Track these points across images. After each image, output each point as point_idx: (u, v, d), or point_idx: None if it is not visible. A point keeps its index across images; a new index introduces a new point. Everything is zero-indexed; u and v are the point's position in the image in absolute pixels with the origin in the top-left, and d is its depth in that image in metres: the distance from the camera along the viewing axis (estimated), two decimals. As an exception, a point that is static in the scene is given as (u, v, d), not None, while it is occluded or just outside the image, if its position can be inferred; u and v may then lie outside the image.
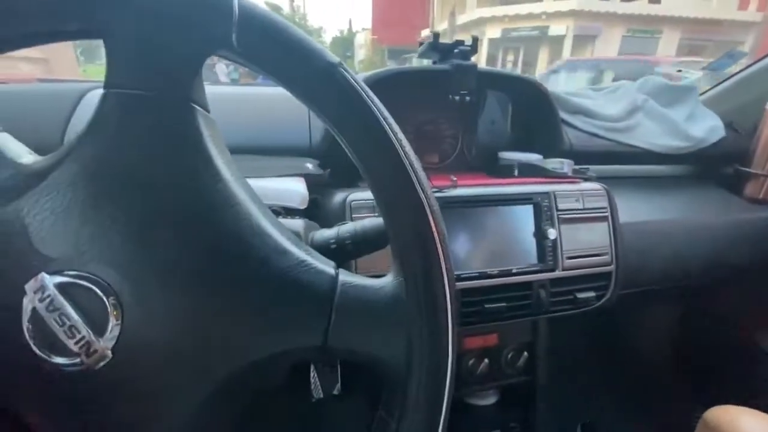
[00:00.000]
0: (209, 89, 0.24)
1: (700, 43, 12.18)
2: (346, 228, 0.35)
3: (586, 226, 0.61)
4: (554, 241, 0.58)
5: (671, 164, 0.91)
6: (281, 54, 0.22)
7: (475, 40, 0.66)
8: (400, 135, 0.24)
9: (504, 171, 0.68)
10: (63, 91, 0.62)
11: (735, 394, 0.63)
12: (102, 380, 0.21)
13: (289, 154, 0.59)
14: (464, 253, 0.56)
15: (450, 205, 0.56)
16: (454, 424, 0.25)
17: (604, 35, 12.02)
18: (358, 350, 0.24)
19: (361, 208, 0.52)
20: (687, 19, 11.76)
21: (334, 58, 0.23)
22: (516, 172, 0.66)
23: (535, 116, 0.75)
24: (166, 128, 0.22)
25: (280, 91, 0.24)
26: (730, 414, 0.52)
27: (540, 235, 0.58)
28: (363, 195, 0.53)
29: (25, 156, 0.23)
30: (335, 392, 0.53)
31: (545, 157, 0.69)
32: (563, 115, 0.77)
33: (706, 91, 0.99)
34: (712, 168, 0.91)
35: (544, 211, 0.59)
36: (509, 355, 0.71)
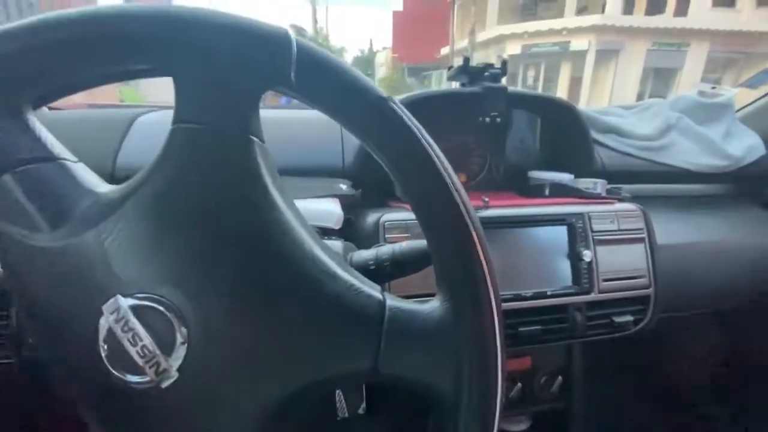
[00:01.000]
0: None
1: (732, 56, 11.83)
2: (385, 249, 0.36)
3: (623, 248, 0.60)
4: (589, 263, 0.57)
5: (707, 183, 0.88)
6: (335, 90, 0.23)
7: (504, 63, 0.67)
8: (446, 163, 0.24)
9: (535, 191, 0.67)
10: (113, 116, 0.66)
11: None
12: (168, 399, 0.22)
13: (322, 175, 0.61)
14: (497, 274, 0.55)
15: (482, 225, 0.56)
16: None
17: (627, 49, 11.83)
18: (407, 376, 0.24)
19: (394, 229, 0.53)
20: (715, 31, 11.47)
21: (383, 93, 0.24)
22: (547, 192, 0.66)
23: (565, 135, 0.74)
24: (228, 160, 0.23)
25: (313, 114, 0.26)
26: None
27: (575, 256, 0.57)
28: (396, 216, 0.53)
29: (101, 185, 0.25)
30: (360, 411, 0.53)
31: (576, 176, 0.68)
32: (594, 134, 0.76)
33: (743, 108, 0.96)
34: (751, 187, 0.88)
35: (578, 233, 0.58)
36: (542, 380, 0.69)
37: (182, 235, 0.23)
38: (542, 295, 0.56)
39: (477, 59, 0.72)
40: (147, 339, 0.21)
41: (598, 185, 0.66)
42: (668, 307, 0.63)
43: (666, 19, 11.78)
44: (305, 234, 0.25)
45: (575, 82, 12.34)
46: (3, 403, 0.67)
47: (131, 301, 0.21)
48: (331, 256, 0.25)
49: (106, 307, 0.21)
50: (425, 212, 0.25)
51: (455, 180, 0.24)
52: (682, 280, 0.69)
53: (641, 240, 0.61)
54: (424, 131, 0.24)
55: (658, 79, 12.35)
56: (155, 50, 0.22)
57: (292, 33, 0.22)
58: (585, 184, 0.66)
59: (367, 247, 0.38)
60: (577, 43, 12.06)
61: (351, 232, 0.54)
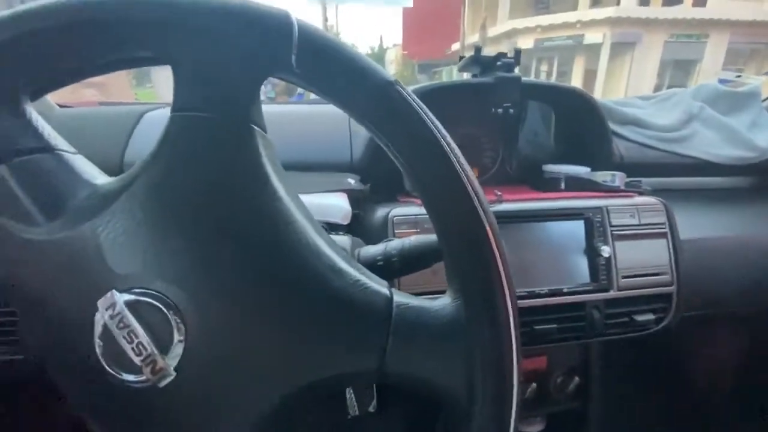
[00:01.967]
0: None
1: (754, 47, 11.43)
2: (393, 245, 0.35)
3: (643, 243, 0.57)
4: (608, 259, 0.55)
5: (732, 176, 0.84)
6: (339, 74, 0.22)
7: (518, 52, 0.65)
8: (458, 151, 0.23)
9: (549, 184, 0.65)
10: (122, 113, 0.66)
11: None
12: (165, 398, 0.21)
13: (330, 170, 0.60)
14: (511, 270, 0.54)
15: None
16: None
17: (644, 41, 11.52)
18: (416, 375, 0.23)
19: (402, 224, 0.51)
20: (736, 22, 11.08)
21: (390, 77, 0.22)
22: (563, 186, 0.64)
23: (581, 127, 0.71)
24: (228, 149, 0.22)
25: (321, 108, 0.25)
26: None
27: (592, 252, 0.55)
28: (405, 210, 0.52)
29: (99, 177, 0.24)
30: (371, 409, 0.52)
31: (593, 169, 0.66)
32: (612, 125, 0.74)
33: (769, 98, 0.91)
34: None
35: (596, 227, 0.55)
36: (558, 380, 0.67)
37: (179, 227, 0.22)
38: (558, 292, 0.54)
39: (488, 54, 0.69)
40: (143, 336, 0.20)
41: (617, 178, 0.63)
42: (692, 306, 0.61)
43: (684, 10, 11.44)
44: (310, 227, 0.23)
45: (590, 76, 12.10)
46: (3, 403, 0.68)
47: (127, 297, 0.21)
48: (336, 251, 0.24)
49: (101, 303, 0.20)
50: (435, 203, 0.23)
51: (467, 169, 0.23)
52: (706, 277, 0.66)
53: (663, 235, 0.58)
54: (434, 117, 0.23)
55: (676, 71, 12.03)
56: (152, 35, 0.21)
57: (293, 16, 0.21)
58: (603, 177, 0.64)
59: (376, 243, 0.36)
60: (592, 36, 11.81)
61: (359, 227, 0.53)
